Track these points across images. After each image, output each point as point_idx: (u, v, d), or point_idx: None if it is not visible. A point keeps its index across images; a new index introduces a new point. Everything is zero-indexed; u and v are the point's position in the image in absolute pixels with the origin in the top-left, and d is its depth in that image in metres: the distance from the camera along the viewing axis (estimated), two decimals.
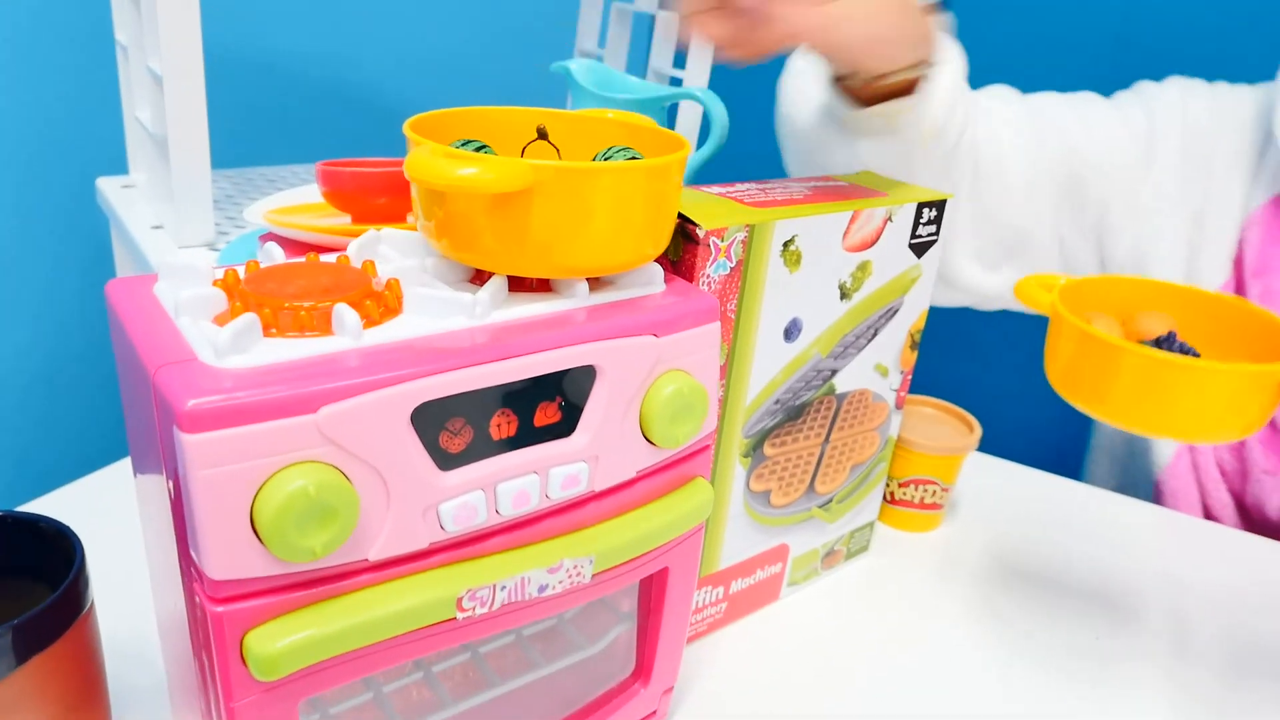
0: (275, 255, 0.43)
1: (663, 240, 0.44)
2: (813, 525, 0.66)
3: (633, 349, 0.41)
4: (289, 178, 0.77)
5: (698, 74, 0.84)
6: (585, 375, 0.41)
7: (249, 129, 0.94)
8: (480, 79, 1.36)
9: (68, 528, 0.46)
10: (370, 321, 0.37)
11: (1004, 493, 0.83)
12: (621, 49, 0.91)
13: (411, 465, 0.36)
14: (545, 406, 0.40)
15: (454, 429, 0.37)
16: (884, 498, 0.76)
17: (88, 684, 0.46)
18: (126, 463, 0.70)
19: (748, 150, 1.35)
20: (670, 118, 0.88)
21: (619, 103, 0.70)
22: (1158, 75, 0.90)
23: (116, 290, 0.40)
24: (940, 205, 0.61)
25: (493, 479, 0.38)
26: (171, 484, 0.34)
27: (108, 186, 0.70)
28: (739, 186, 0.57)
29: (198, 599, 0.35)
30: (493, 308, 0.40)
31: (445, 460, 0.37)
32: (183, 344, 0.35)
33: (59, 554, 0.45)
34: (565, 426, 0.41)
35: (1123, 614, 0.68)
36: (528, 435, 0.40)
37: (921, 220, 0.60)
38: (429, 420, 0.36)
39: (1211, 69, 0.90)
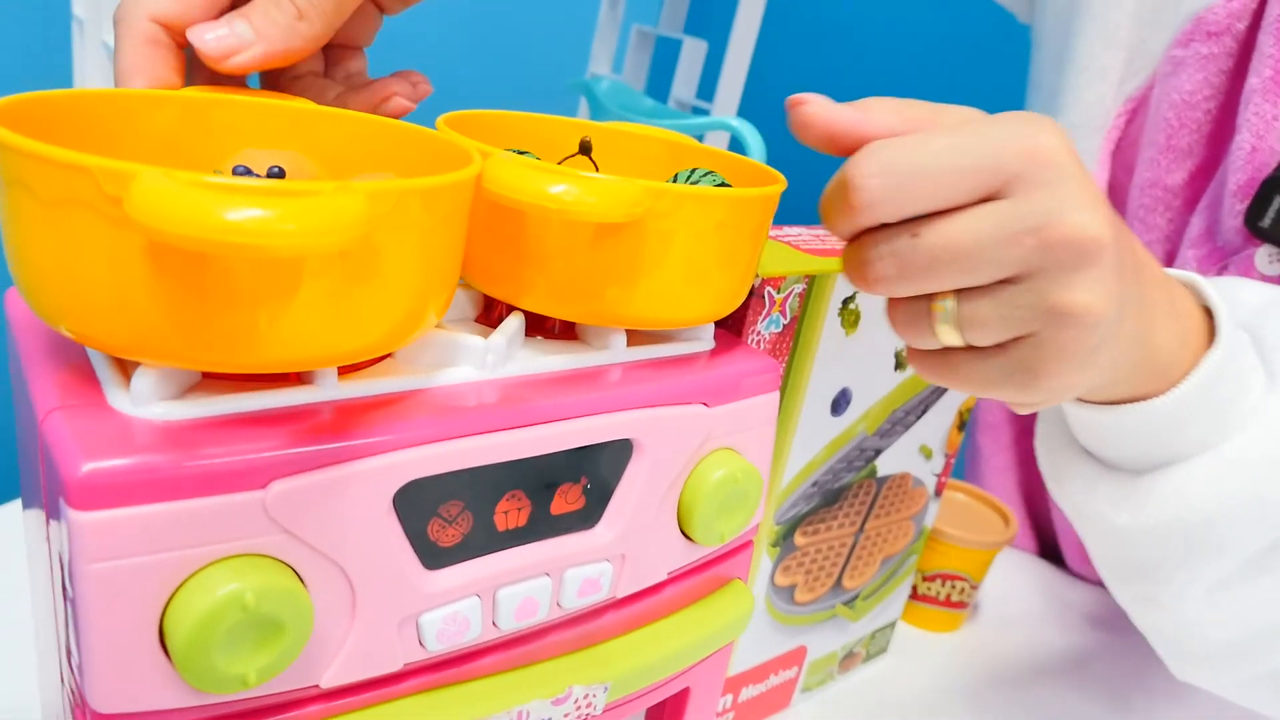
0: None
1: (745, 290, 0.35)
2: (835, 624, 0.57)
3: (679, 421, 0.33)
4: None
5: (727, 104, 0.76)
6: (619, 451, 0.32)
7: None
8: (485, 93, 1.26)
9: None
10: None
11: (1033, 594, 0.75)
12: (640, 73, 0.83)
13: (389, 562, 0.27)
14: (567, 490, 0.31)
15: (448, 515, 0.28)
16: (909, 592, 0.67)
17: None
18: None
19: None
20: None
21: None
22: None
23: (17, 299, 0.31)
24: None
25: (493, 582, 0.29)
26: (58, 565, 0.25)
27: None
28: (787, 230, 0.49)
29: None
30: (508, 356, 0.31)
31: (433, 556, 0.28)
32: (90, 379, 0.26)
33: None
34: (588, 515, 0.32)
35: None
36: (541, 526, 0.31)
37: None
38: (417, 503, 0.27)
39: None
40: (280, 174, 0.29)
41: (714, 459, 0.34)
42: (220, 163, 0.32)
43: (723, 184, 0.36)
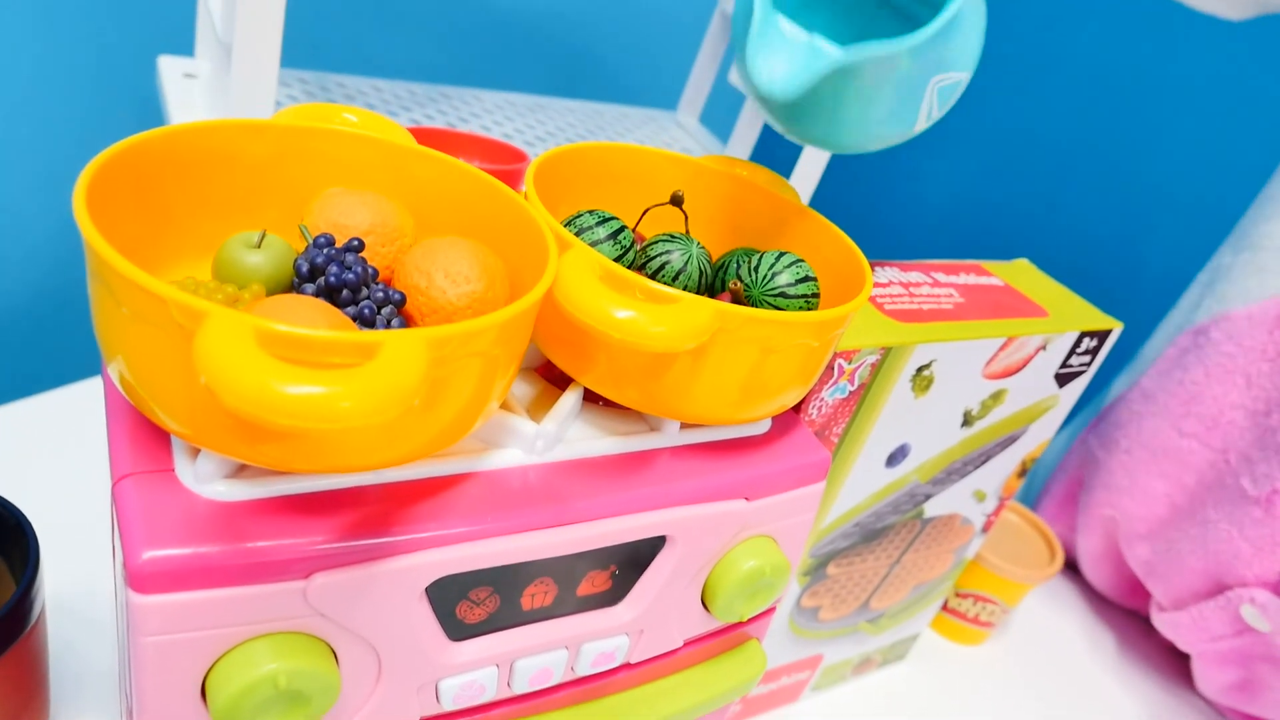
0: None
1: (808, 388, 0.35)
2: (856, 638, 0.59)
3: (717, 517, 0.33)
4: (369, 94, 0.68)
5: None
6: (652, 543, 0.33)
7: (337, 26, 0.83)
8: (618, 11, 1.17)
9: (23, 518, 0.39)
10: None
11: (1065, 618, 0.75)
12: None
13: (417, 639, 0.29)
14: (595, 575, 0.32)
15: (477, 599, 0.30)
16: None
17: (31, 693, 0.40)
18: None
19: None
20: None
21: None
22: None
23: None
24: (1104, 335, 0.51)
25: (512, 655, 0.31)
26: (122, 605, 0.27)
27: (168, 70, 0.61)
28: (881, 271, 0.48)
29: None
30: (558, 440, 0.31)
31: (458, 630, 0.30)
32: (164, 442, 0.27)
33: (9, 537, 0.39)
34: (613, 596, 0.33)
35: None
36: (565, 605, 0.32)
37: (1077, 350, 0.50)
38: (448, 591, 0.29)
39: None
40: (359, 246, 0.29)
41: (747, 547, 0.35)
42: (313, 194, 0.32)
43: (808, 278, 0.35)
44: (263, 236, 0.30)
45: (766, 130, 1.07)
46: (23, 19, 0.70)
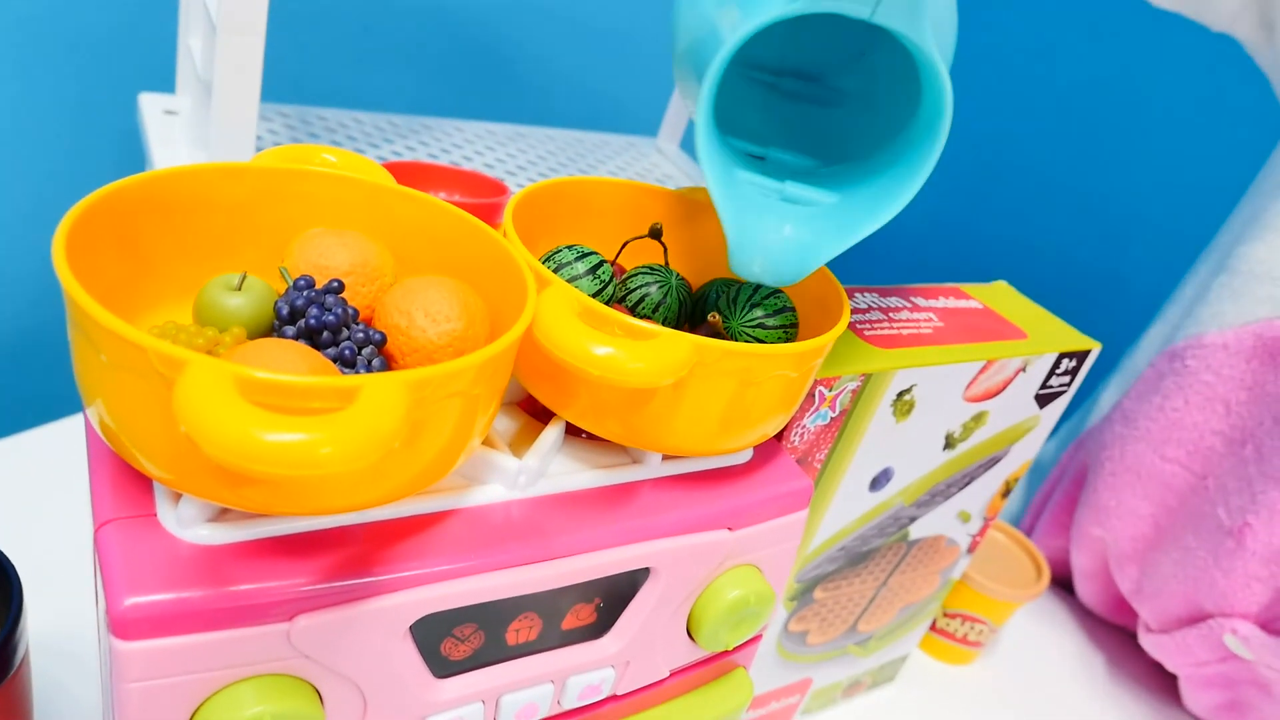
0: None
1: (789, 418, 0.35)
2: (844, 660, 0.59)
3: (699, 548, 0.33)
4: (350, 126, 0.68)
5: None
6: (636, 575, 0.33)
7: (316, 60, 0.83)
8: (596, 39, 1.17)
9: (6, 560, 0.39)
10: None
11: (1055, 637, 0.76)
12: None
13: (399, 678, 0.29)
14: (580, 609, 0.32)
15: (462, 635, 0.30)
16: None
17: None
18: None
19: None
20: None
21: None
22: None
23: None
24: (1083, 356, 0.51)
25: (498, 690, 0.31)
26: (103, 645, 0.27)
27: (149, 107, 0.62)
28: (860, 297, 0.48)
29: None
30: (540, 475, 0.32)
31: (443, 667, 0.30)
32: (145, 487, 0.27)
33: None
34: (598, 629, 0.33)
35: None
36: (550, 639, 0.32)
37: (1057, 371, 0.51)
38: (433, 628, 0.29)
39: None
40: (339, 287, 0.29)
41: (732, 576, 0.35)
42: (293, 236, 0.33)
43: (786, 308, 0.35)
44: (243, 279, 0.30)
45: None
46: (6, 55, 0.70)
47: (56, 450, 0.60)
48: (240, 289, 0.30)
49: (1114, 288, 1.02)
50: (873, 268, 1.21)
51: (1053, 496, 0.78)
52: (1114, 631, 0.77)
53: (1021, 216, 1.10)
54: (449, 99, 0.87)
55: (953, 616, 0.67)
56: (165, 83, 0.70)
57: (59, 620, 0.48)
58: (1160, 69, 0.95)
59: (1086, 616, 0.78)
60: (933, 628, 0.68)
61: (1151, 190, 0.99)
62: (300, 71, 0.82)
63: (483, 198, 0.53)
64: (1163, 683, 0.72)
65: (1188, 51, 0.75)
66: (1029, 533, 0.80)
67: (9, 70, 0.71)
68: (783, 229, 0.32)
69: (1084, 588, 0.76)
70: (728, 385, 0.31)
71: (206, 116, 0.51)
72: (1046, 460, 0.81)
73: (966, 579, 0.65)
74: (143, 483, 0.27)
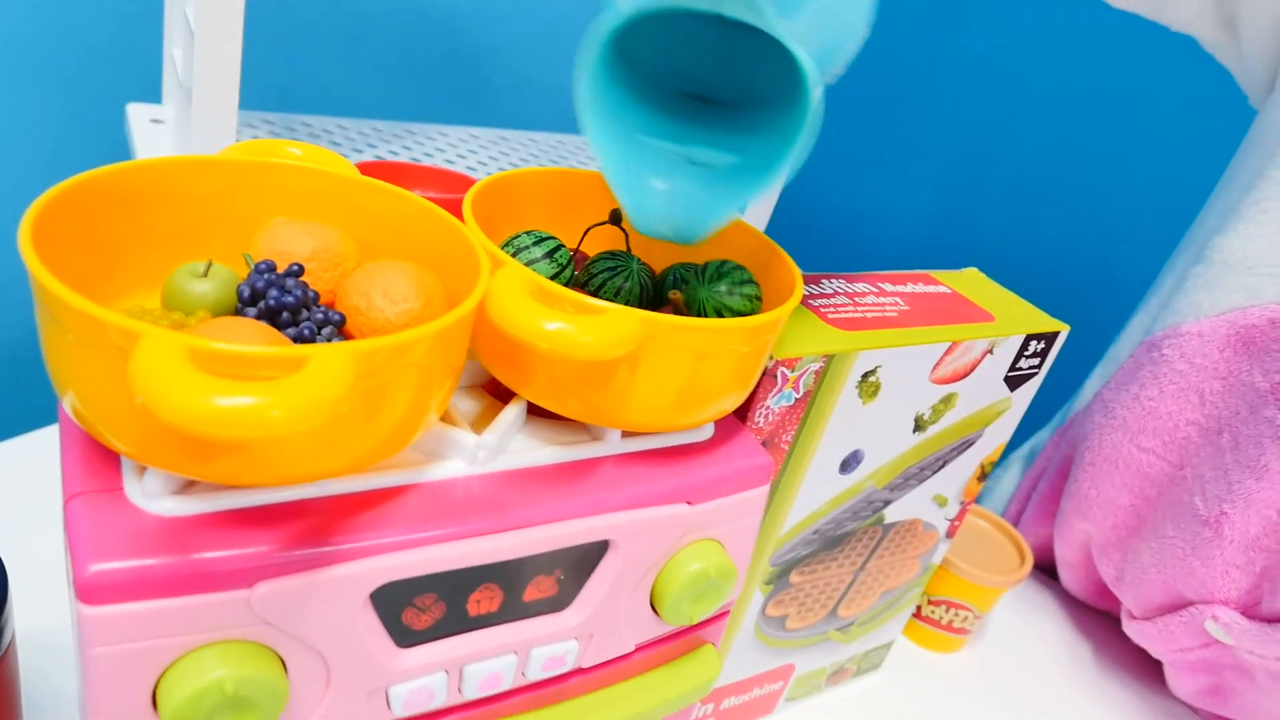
0: None
1: (746, 395, 0.36)
2: (826, 646, 0.60)
3: (659, 521, 0.34)
4: (334, 132, 0.70)
5: None
6: (596, 548, 0.34)
7: (302, 69, 0.85)
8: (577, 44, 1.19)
9: None
10: None
11: (1042, 624, 0.76)
12: None
13: (364, 645, 0.30)
14: (540, 580, 0.33)
15: (423, 605, 0.31)
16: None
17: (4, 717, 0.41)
18: None
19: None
20: None
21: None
22: None
23: None
24: (1051, 338, 0.52)
25: (460, 660, 0.32)
26: (74, 621, 0.28)
27: (136, 117, 0.63)
28: (827, 282, 0.49)
29: None
30: (499, 451, 0.33)
31: (405, 636, 0.31)
32: (113, 463, 0.29)
33: None
34: (559, 601, 0.34)
35: None
36: (512, 610, 0.33)
37: (1026, 353, 0.52)
38: (393, 597, 0.30)
39: None
40: (299, 271, 0.31)
41: (693, 550, 0.36)
42: (259, 226, 0.34)
43: (748, 280, 0.36)
44: (209, 266, 0.31)
45: None
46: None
47: (49, 455, 0.61)
48: (206, 275, 0.31)
49: (1101, 278, 1.03)
50: (861, 263, 1.22)
51: (1038, 487, 0.79)
52: (1100, 618, 0.77)
53: (1005, 210, 1.11)
54: (433, 105, 0.89)
55: (937, 604, 0.68)
56: (155, 94, 0.71)
57: (45, 618, 0.49)
58: (1141, 63, 0.96)
59: (1073, 604, 0.78)
60: (918, 615, 0.69)
61: (1139, 184, 1.00)
62: (285, 80, 0.84)
63: (453, 193, 0.54)
64: (1149, 668, 0.73)
65: (1169, 45, 0.76)
66: (1016, 523, 0.81)
67: (2, 82, 0.73)
68: (674, 189, 0.33)
69: (1068, 576, 0.76)
70: (681, 360, 0.32)
71: (188, 123, 0.53)
72: (1039, 452, 0.82)
73: (949, 565, 0.65)
74: (111, 460, 0.29)
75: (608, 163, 0.33)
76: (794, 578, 0.53)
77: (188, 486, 0.28)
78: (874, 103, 1.19)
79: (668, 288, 0.39)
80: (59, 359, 0.26)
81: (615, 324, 0.29)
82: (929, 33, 1.14)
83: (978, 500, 0.81)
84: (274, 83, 0.80)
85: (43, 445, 0.62)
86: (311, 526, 0.28)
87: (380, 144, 0.70)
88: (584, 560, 0.34)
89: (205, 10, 0.46)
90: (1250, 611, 0.60)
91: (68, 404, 0.27)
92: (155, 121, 0.63)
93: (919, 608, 0.69)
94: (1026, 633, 0.74)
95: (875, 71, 1.18)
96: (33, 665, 0.47)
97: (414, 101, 0.90)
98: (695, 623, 0.38)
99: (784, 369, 0.42)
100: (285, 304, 0.29)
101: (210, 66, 0.48)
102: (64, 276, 0.26)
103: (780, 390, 0.42)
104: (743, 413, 0.42)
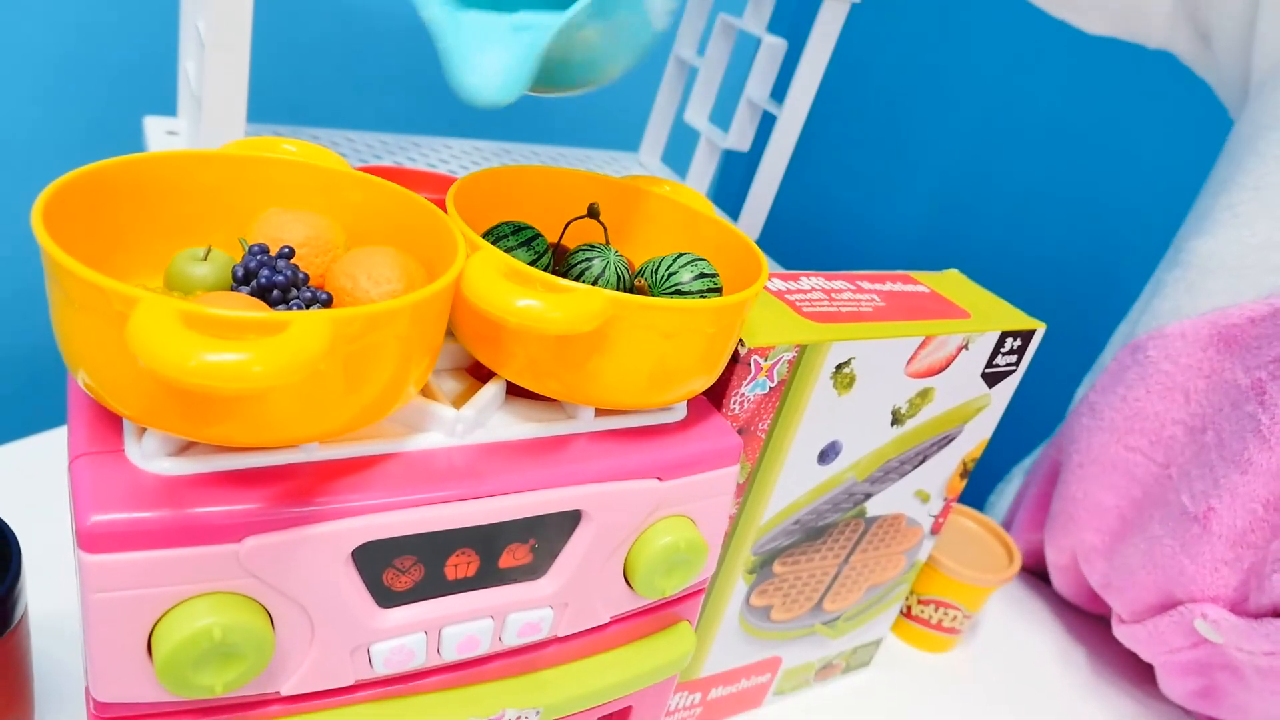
0: None
1: (718, 373, 0.38)
2: (813, 640, 0.61)
3: (630, 494, 0.36)
4: (342, 144, 0.73)
5: (797, 108, 0.76)
6: (568, 518, 0.36)
7: (312, 85, 0.88)
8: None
9: (4, 524, 0.43)
10: None
11: (1034, 626, 0.77)
12: (719, 65, 0.84)
13: (346, 603, 0.32)
14: (515, 548, 0.35)
15: (402, 566, 0.33)
16: (900, 610, 0.70)
17: (15, 692, 0.43)
18: None
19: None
20: None
21: None
22: None
23: None
24: (1028, 336, 0.54)
25: (439, 622, 0.34)
26: (77, 572, 0.31)
27: (153, 129, 0.66)
28: (805, 280, 0.51)
29: (89, 703, 0.31)
30: (478, 424, 0.35)
31: (386, 597, 0.33)
32: (115, 426, 0.31)
33: None
34: (534, 569, 0.36)
35: None
36: (488, 576, 0.35)
37: (1002, 349, 0.53)
38: (373, 557, 0.32)
39: None
40: (290, 253, 0.33)
41: (664, 525, 0.38)
42: (255, 215, 0.36)
43: (706, 274, 0.38)
44: (208, 251, 0.33)
45: (722, 165, 1.12)
46: (21, 81, 0.75)
47: (59, 454, 0.64)
48: (205, 260, 0.33)
49: (1100, 285, 1.04)
50: (854, 269, 1.24)
51: (1028, 492, 0.80)
52: (1092, 621, 0.78)
53: (997, 217, 1.13)
54: (439, 119, 0.92)
55: (926, 603, 0.69)
56: (171, 108, 0.75)
57: (56, 604, 0.51)
58: (1129, 74, 0.97)
59: (1065, 607, 0.79)
60: (908, 614, 0.70)
61: (1128, 193, 1.01)
62: (295, 96, 0.87)
63: (444, 193, 0.57)
64: (1141, 670, 0.73)
65: (1155, 56, 0.78)
66: (1008, 527, 0.82)
67: (30, 96, 0.76)
68: (495, 51, 0.32)
69: (1060, 580, 0.77)
70: (649, 339, 0.34)
71: (199, 131, 0.55)
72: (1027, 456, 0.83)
73: (937, 564, 0.67)
74: (113, 424, 0.31)
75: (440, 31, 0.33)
76: (777, 568, 0.54)
77: (183, 450, 0.30)
78: (867, 112, 1.22)
79: (635, 277, 0.42)
80: (69, 329, 0.28)
81: (582, 301, 0.31)
82: (922, 45, 1.16)
83: (980, 510, 0.82)
84: (284, 98, 0.83)
85: (53, 445, 0.65)
86: (297, 488, 0.30)
87: (386, 155, 0.73)
88: (558, 530, 0.36)
89: (215, 21, 0.49)
90: (1238, 608, 0.61)
91: (77, 374, 0.29)
92: (170, 133, 0.66)
93: (909, 607, 0.70)
94: (1018, 634, 0.75)
95: (870, 82, 1.21)
96: (43, 649, 0.49)
97: (420, 115, 0.93)
98: (668, 596, 0.39)
99: (757, 357, 0.43)
100: (275, 282, 0.31)
101: (219, 75, 0.50)
102: (73, 257, 0.28)
103: (755, 378, 0.44)
104: (718, 399, 0.44)
